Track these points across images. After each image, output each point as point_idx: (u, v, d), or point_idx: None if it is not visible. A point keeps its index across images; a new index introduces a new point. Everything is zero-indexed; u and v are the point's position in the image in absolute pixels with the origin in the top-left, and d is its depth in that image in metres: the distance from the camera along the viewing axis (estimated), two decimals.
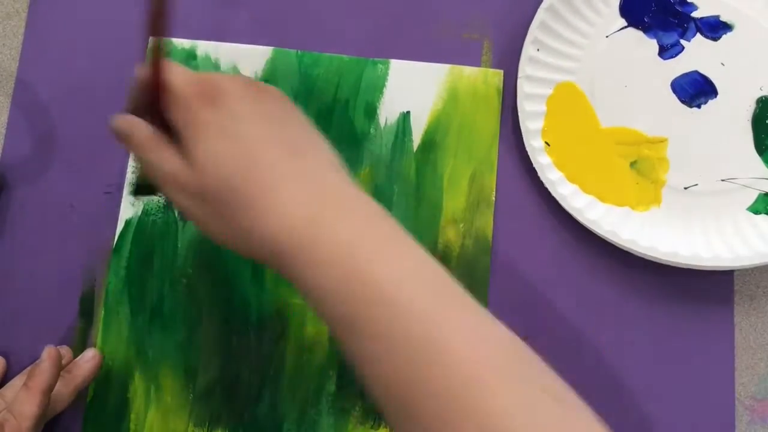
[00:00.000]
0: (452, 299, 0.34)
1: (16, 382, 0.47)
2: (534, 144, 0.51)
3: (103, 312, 0.49)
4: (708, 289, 0.51)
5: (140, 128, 0.39)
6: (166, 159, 0.38)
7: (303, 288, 0.36)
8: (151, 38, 0.37)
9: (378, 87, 0.53)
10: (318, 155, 0.38)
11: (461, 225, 0.51)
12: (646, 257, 0.49)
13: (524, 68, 0.51)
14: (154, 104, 0.38)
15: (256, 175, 0.36)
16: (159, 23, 0.37)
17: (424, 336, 0.32)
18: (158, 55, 0.37)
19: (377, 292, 0.33)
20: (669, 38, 0.52)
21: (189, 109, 0.37)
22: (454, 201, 0.51)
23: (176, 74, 0.37)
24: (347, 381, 0.50)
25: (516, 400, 0.31)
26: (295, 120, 0.39)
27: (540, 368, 0.34)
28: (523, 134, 0.51)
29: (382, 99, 0.52)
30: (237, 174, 0.36)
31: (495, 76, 0.52)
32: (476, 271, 0.51)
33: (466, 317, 0.34)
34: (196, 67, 0.51)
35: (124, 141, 0.39)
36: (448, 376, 0.32)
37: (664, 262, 0.49)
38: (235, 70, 0.52)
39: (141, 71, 0.38)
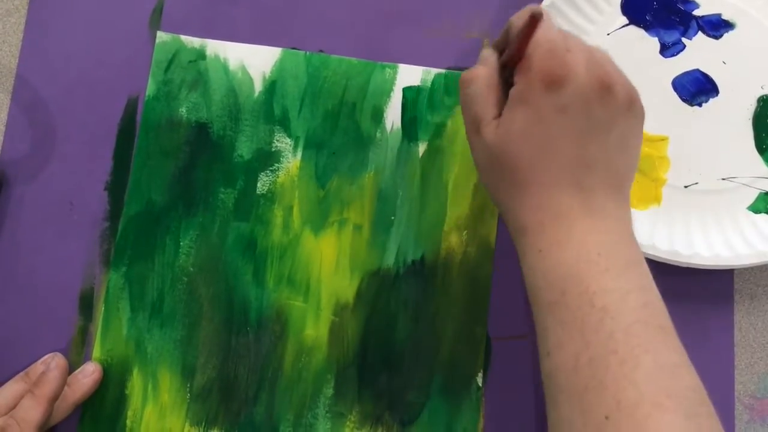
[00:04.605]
0: (660, 331, 0.36)
1: (9, 389, 0.47)
2: None
3: (103, 308, 0.50)
4: (708, 288, 0.50)
5: (489, 64, 0.42)
6: (486, 101, 0.40)
7: (524, 265, 0.39)
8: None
9: (385, 91, 0.53)
10: (604, 176, 0.39)
11: (464, 232, 0.51)
12: (646, 256, 0.48)
13: None
14: (515, 55, 0.40)
15: (540, 172, 0.38)
16: None
17: (623, 351, 0.34)
18: (530, 30, 0.38)
19: (590, 300, 0.36)
20: (670, 36, 0.52)
21: (527, 80, 0.38)
22: (458, 208, 0.51)
23: (538, 40, 0.38)
24: (345, 385, 0.49)
25: None
26: (612, 135, 0.39)
27: (719, 428, 0.35)
28: None
29: (389, 103, 0.53)
30: (524, 161, 0.39)
31: None
32: (478, 279, 0.50)
33: (666, 353, 0.35)
34: (205, 67, 0.52)
35: (472, 69, 0.42)
36: (632, 395, 0.33)
37: (663, 261, 0.49)
38: (243, 70, 0.52)
39: (518, 15, 0.40)
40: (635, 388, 0.33)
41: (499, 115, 0.40)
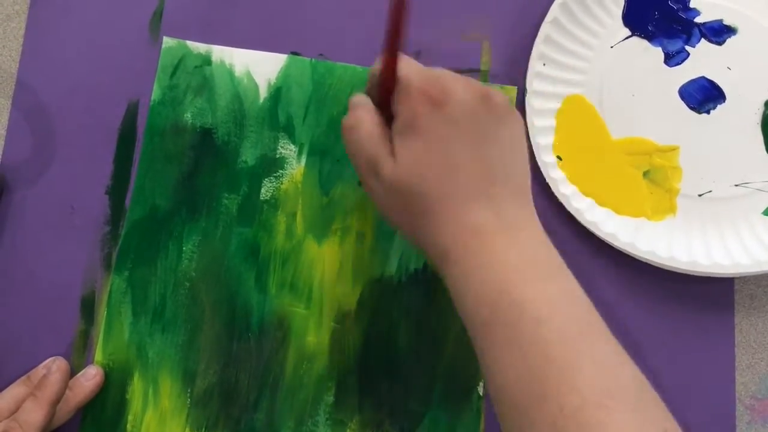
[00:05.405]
0: (593, 331, 0.36)
1: (11, 392, 0.47)
2: (546, 159, 0.51)
3: (105, 312, 0.50)
4: (708, 289, 0.50)
5: (368, 107, 0.42)
6: (378, 142, 0.40)
7: (453, 291, 0.39)
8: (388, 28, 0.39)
9: None
10: (507, 182, 0.39)
11: None
12: (664, 268, 0.49)
13: (532, 83, 0.51)
14: (384, 90, 0.41)
15: (448, 191, 0.38)
16: (398, 20, 0.39)
17: (561, 357, 0.34)
18: (394, 49, 0.39)
19: (521, 311, 0.36)
20: (674, 45, 0.51)
21: (411, 106, 0.39)
22: None
23: (410, 70, 0.40)
24: (346, 393, 0.49)
25: None
26: (503, 139, 0.40)
27: (664, 412, 0.35)
28: (534, 149, 0.51)
29: None
30: (431, 184, 0.39)
31: (509, 93, 0.52)
32: None
33: (603, 351, 0.36)
34: (210, 72, 0.53)
35: (351, 114, 0.42)
36: (575, 401, 0.33)
37: (684, 272, 0.48)
38: (248, 77, 0.53)
39: (379, 61, 0.41)
40: (578, 394, 0.33)
41: (392, 153, 0.40)
